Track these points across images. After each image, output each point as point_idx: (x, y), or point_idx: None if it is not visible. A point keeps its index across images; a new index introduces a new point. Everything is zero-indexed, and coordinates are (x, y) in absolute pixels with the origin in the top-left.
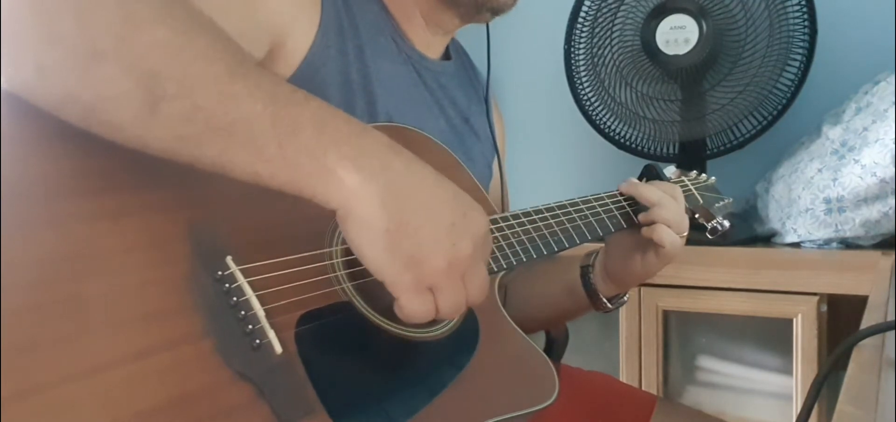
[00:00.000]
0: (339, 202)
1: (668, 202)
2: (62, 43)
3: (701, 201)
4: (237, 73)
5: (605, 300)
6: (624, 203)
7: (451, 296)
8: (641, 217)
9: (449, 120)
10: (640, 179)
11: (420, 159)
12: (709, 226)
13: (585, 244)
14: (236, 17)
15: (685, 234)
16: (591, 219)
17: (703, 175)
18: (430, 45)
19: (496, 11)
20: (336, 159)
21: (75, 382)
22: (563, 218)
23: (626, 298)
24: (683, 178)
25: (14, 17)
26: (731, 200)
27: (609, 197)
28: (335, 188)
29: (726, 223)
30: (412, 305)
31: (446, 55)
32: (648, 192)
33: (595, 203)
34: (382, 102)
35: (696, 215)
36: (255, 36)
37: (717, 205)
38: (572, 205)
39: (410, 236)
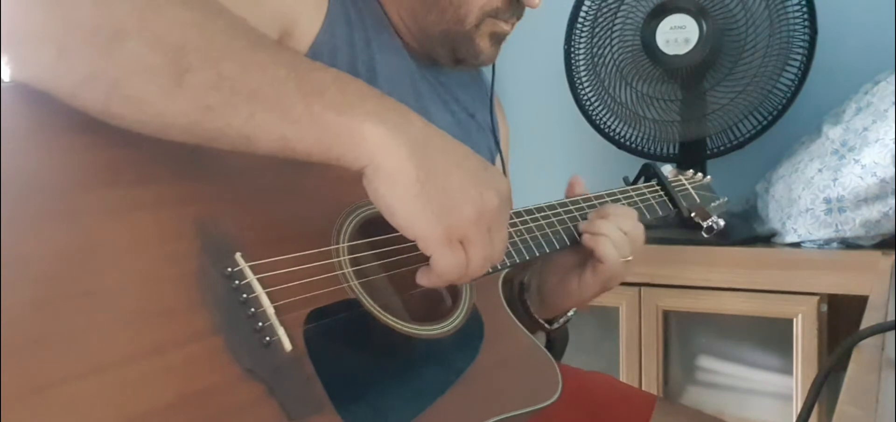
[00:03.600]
0: (368, 157)
1: (602, 222)
2: (83, 26)
3: (698, 200)
4: (258, 46)
5: (541, 321)
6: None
7: (480, 248)
8: (583, 226)
9: (454, 114)
10: (638, 178)
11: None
12: (705, 224)
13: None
14: (244, 8)
15: (628, 257)
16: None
17: (699, 174)
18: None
19: (474, 67)
20: (361, 115)
21: (84, 379)
22: (564, 216)
23: (571, 313)
24: (680, 177)
25: (31, 5)
26: (726, 199)
27: (609, 195)
28: (362, 144)
29: (722, 222)
30: (445, 259)
31: None
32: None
33: (594, 201)
34: (387, 92)
35: (693, 214)
36: (262, 26)
37: (712, 204)
38: (573, 204)
39: (440, 186)
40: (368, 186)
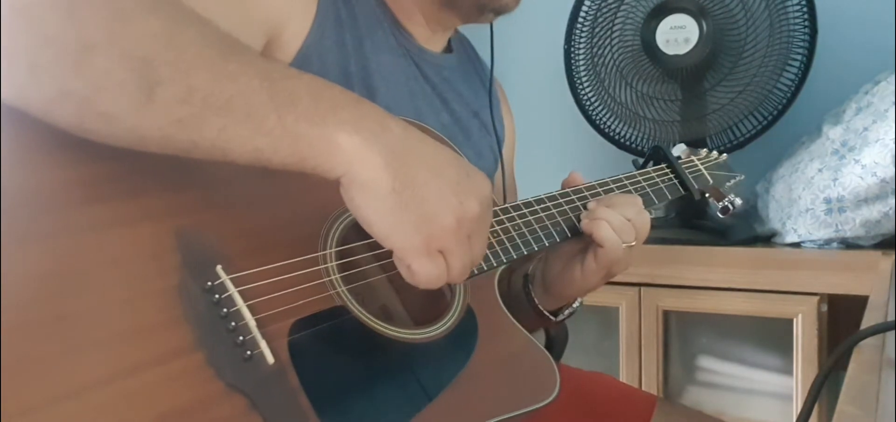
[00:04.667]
0: (342, 169)
1: (603, 208)
2: (54, 42)
3: (711, 181)
4: (230, 55)
5: (547, 313)
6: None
7: (461, 257)
8: (583, 215)
9: (453, 113)
10: (646, 162)
11: (415, 128)
12: (720, 205)
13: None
14: (230, 13)
15: (630, 243)
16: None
17: (714, 153)
18: (431, 40)
19: (498, 12)
20: (335, 125)
21: (64, 402)
22: (565, 206)
23: (577, 305)
24: (693, 157)
25: (3, 24)
26: (742, 176)
27: (615, 181)
28: (336, 154)
29: (738, 201)
30: (425, 268)
31: (448, 48)
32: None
33: (598, 188)
34: (382, 95)
35: (707, 195)
36: (249, 31)
37: (727, 184)
38: (575, 193)
39: (417, 195)
40: (345, 196)
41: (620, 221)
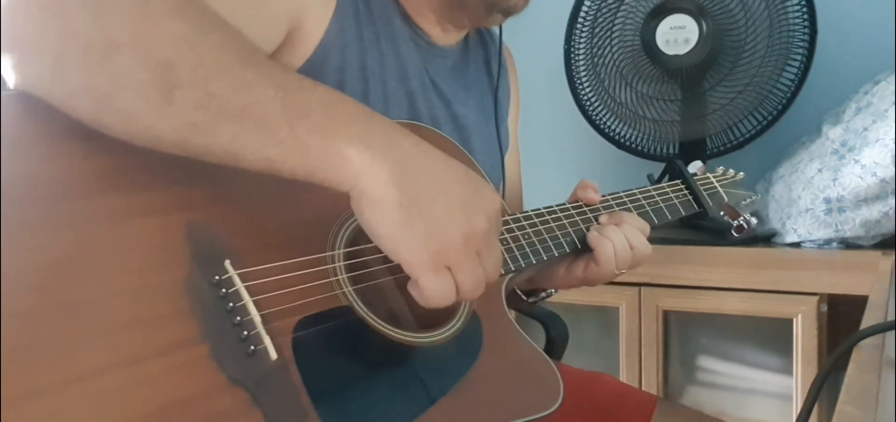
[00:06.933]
0: (351, 182)
1: (612, 227)
2: (80, 37)
3: (726, 199)
4: (248, 63)
5: (520, 294)
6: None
7: (470, 273)
8: (594, 227)
9: (465, 105)
10: (662, 176)
11: (427, 142)
12: (735, 223)
13: None
14: (251, 4)
15: (622, 271)
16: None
17: (730, 171)
18: (443, 39)
19: (507, 13)
20: (345, 139)
21: (67, 388)
22: (577, 218)
23: (552, 291)
24: (708, 174)
25: (30, 15)
26: (758, 196)
27: (629, 195)
28: (346, 168)
29: (754, 220)
30: (432, 284)
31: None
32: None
33: (610, 201)
34: (395, 90)
35: (722, 214)
36: (272, 22)
37: (743, 203)
38: (588, 205)
39: (425, 211)
40: (355, 209)
41: (623, 247)
